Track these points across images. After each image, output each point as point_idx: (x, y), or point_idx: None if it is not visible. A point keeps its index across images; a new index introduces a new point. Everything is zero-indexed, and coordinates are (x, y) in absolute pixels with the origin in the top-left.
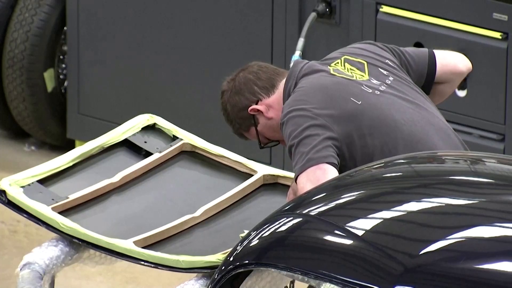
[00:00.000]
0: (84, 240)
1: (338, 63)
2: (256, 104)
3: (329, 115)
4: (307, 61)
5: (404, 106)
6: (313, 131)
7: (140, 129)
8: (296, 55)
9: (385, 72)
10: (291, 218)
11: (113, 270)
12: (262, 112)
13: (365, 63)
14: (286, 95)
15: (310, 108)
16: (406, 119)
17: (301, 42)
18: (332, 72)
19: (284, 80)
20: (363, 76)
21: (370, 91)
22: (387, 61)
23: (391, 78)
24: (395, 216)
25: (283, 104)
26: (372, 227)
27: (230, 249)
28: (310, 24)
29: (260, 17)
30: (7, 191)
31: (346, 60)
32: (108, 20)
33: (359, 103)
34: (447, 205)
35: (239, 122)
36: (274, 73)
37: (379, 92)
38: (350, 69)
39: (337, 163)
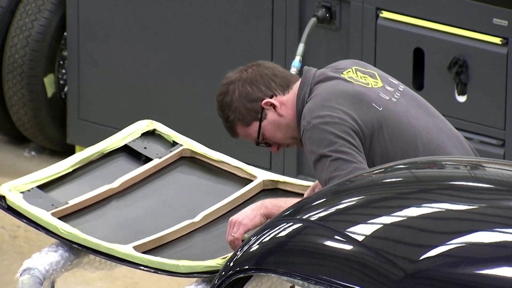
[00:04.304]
0: (84, 245)
1: (350, 71)
2: (271, 98)
3: (354, 119)
4: (316, 68)
5: (419, 113)
6: (346, 138)
7: (140, 135)
8: (296, 60)
9: (395, 81)
10: (291, 223)
11: (113, 275)
12: (275, 107)
13: (376, 73)
14: (300, 101)
15: (335, 115)
16: (422, 126)
17: (301, 47)
18: (348, 79)
19: (297, 84)
20: (377, 83)
21: (387, 98)
22: (389, 76)
23: (402, 86)
24: (395, 222)
25: (296, 109)
26: (372, 232)
27: (230, 254)
28: (310, 30)
29: (260, 22)
30: (7, 196)
31: (357, 70)
32: (108, 26)
33: (381, 109)
34: (447, 210)
35: (244, 113)
36: (287, 73)
37: (395, 100)
38: (363, 77)
39: None
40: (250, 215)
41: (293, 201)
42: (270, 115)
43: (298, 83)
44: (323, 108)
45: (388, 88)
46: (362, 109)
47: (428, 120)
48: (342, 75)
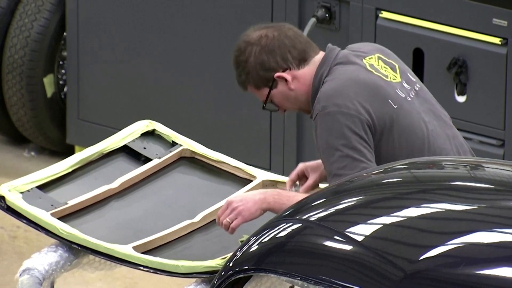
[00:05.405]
0: (84, 245)
1: (372, 58)
2: (284, 71)
3: (368, 112)
4: (339, 48)
5: (429, 116)
6: (359, 133)
7: (139, 135)
8: None
9: (413, 79)
10: (291, 223)
11: (113, 275)
12: (286, 81)
13: (397, 66)
14: (318, 79)
15: (351, 106)
16: (431, 130)
17: None
18: (368, 68)
19: (316, 59)
20: (395, 77)
21: (403, 95)
22: (409, 69)
23: (418, 85)
24: (395, 222)
25: (312, 85)
26: (372, 232)
27: (229, 254)
28: (309, 30)
29: (259, 22)
30: (6, 197)
31: (379, 58)
32: (107, 26)
33: (395, 107)
34: (447, 210)
35: (256, 78)
36: (308, 46)
37: (410, 99)
38: (384, 67)
39: None
40: (251, 208)
41: (295, 198)
42: (281, 86)
43: (317, 57)
44: (340, 96)
45: (405, 85)
46: (377, 103)
47: (436, 125)
48: (364, 61)
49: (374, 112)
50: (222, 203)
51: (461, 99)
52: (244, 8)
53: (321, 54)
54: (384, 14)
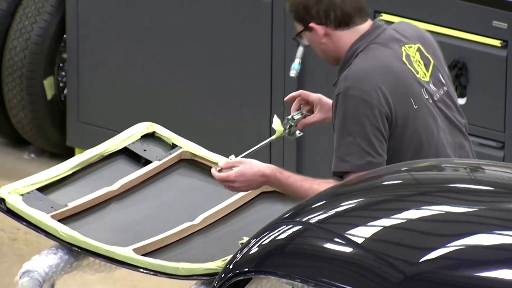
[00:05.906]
0: (84, 248)
1: (412, 47)
2: (320, 24)
3: (389, 105)
4: (386, 26)
5: (444, 123)
6: (376, 124)
7: (139, 137)
8: (296, 63)
9: (443, 80)
10: (291, 225)
11: (113, 277)
12: (317, 34)
13: (431, 63)
14: (353, 50)
15: (374, 95)
16: (442, 137)
17: (300, 50)
18: (403, 58)
19: (360, 28)
20: (425, 76)
21: (427, 97)
22: (445, 67)
23: (445, 88)
24: (395, 224)
25: (345, 54)
26: (372, 234)
27: (229, 256)
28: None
29: (259, 25)
30: (6, 199)
31: (418, 49)
32: (107, 28)
33: (415, 107)
34: (447, 212)
35: (296, 13)
36: (357, 13)
37: (431, 101)
38: (418, 61)
39: None
40: (252, 188)
41: (294, 185)
42: (313, 33)
43: (362, 27)
44: (367, 81)
45: (432, 86)
46: (400, 98)
47: (448, 133)
48: (402, 49)
49: (395, 106)
50: (222, 205)
51: (461, 101)
52: (244, 10)
53: (367, 25)
54: (384, 17)
